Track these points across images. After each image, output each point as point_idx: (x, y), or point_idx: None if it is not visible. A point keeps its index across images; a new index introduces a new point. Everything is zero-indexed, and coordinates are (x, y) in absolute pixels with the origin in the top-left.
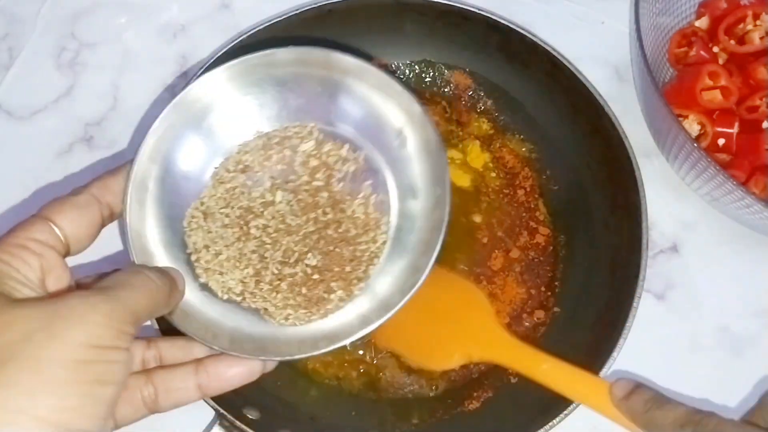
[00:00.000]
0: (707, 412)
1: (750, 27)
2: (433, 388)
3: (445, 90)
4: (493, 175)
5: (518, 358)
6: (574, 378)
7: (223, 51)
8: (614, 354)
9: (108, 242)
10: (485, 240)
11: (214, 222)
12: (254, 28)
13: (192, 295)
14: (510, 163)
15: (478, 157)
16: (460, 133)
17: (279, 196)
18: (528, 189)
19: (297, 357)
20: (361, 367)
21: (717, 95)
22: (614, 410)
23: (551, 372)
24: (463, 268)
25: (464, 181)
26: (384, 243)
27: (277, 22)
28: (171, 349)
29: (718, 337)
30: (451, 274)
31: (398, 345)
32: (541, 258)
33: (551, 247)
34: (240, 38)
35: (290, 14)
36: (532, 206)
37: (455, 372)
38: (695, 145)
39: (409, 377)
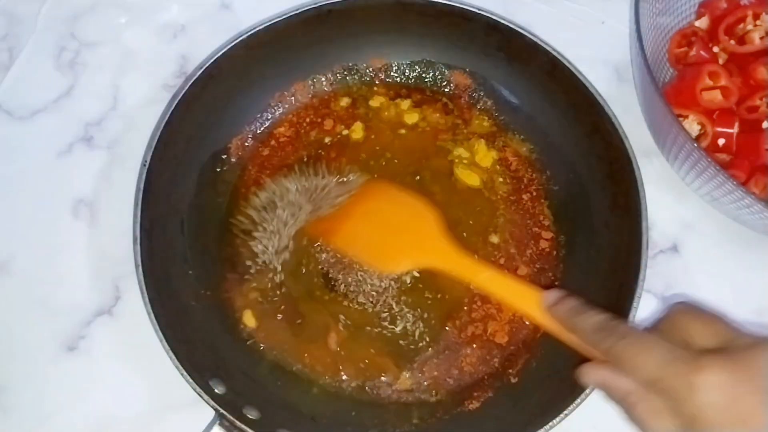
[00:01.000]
0: (620, 320)
1: (750, 27)
2: (434, 393)
3: (446, 90)
4: (501, 180)
5: (461, 266)
6: (510, 287)
7: (223, 51)
8: None
9: None
10: (502, 261)
11: None
12: (254, 28)
13: None
14: (514, 164)
15: (485, 155)
16: (465, 131)
17: None
18: (534, 193)
19: None
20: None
21: (717, 95)
22: (543, 316)
23: (490, 280)
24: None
25: (474, 180)
26: None
27: (277, 22)
28: None
29: None
30: (404, 192)
31: (353, 249)
32: (546, 266)
33: (554, 251)
34: (240, 38)
35: (290, 14)
36: (537, 210)
37: (455, 374)
38: (695, 145)
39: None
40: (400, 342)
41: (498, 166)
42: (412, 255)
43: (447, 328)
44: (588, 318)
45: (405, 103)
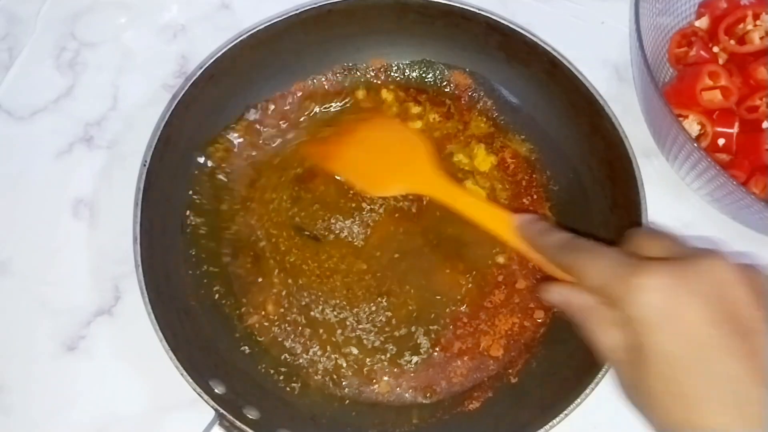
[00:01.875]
0: (584, 238)
1: (750, 27)
2: (428, 395)
3: (446, 90)
4: (500, 186)
5: (445, 192)
6: (487, 210)
7: (223, 51)
8: None
9: None
10: (500, 278)
11: None
12: (254, 28)
13: None
14: (512, 167)
15: (484, 160)
16: (462, 137)
17: None
18: (534, 196)
19: None
20: None
21: (717, 95)
22: (513, 236)
23: (470, 205)
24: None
25: (481, 194)
26: None
27: (277, 22)
28: None
29: None
30: (398, 123)
31: (347, 172)
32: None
33: None
34: (240, 38)
35: (290, 14)
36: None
37: (443, 384)
38: (695, 145)
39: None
40: (381, 350)
41: (496, 172)
42: (400, 179)
43: (434, 352)
44: (554, 236)
45: (415, 108)
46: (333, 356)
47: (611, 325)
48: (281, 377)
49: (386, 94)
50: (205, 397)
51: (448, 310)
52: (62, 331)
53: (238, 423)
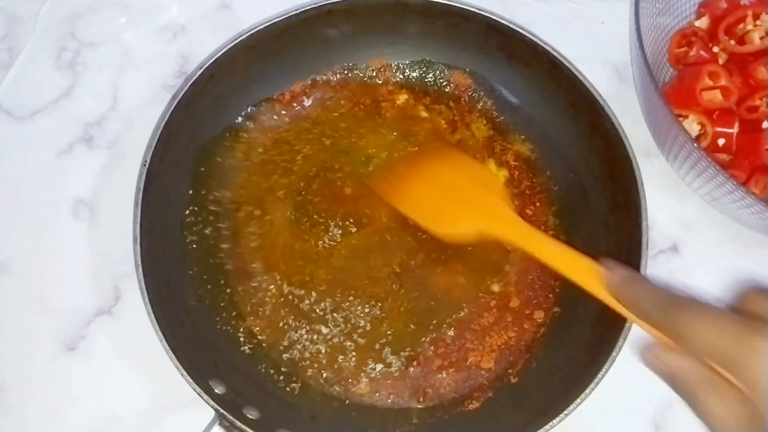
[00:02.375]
0: (687, 295)
1: (750, 27)
2: (420, 400)
3: (446, 90)
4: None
5: (523, 236)
6: (571, 259)
7: (223, 51)
8: (614, 354)
9: None
10: (492, 303)
11: None
12: (254, 28)
13: None
14: (516, 174)
15: (496, 174)
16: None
17: None
18: (537, 204)
19: None
20: None
21: (717, 95)
22: (602, 291)
23: (554, 253)
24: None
25: None
26: None
27: (277, 22)
28: None
29: None
30: (472, 159)
31: (415, 210)
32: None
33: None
34: (240, 38)
35: (290, 14)
36: (540, 222)
37: (470, 365)
38: (695, 145)
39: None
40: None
41: (507, 184)
42: (473, 219)
43: (410, 369)
44: (653, 295)
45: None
46: (330, 356)
47: (727, 395)
48: (281, 377)
49: (423, 112)
50: (205, 397)
51: (427, 338)
52: (62, 331)
53: (238, 423)
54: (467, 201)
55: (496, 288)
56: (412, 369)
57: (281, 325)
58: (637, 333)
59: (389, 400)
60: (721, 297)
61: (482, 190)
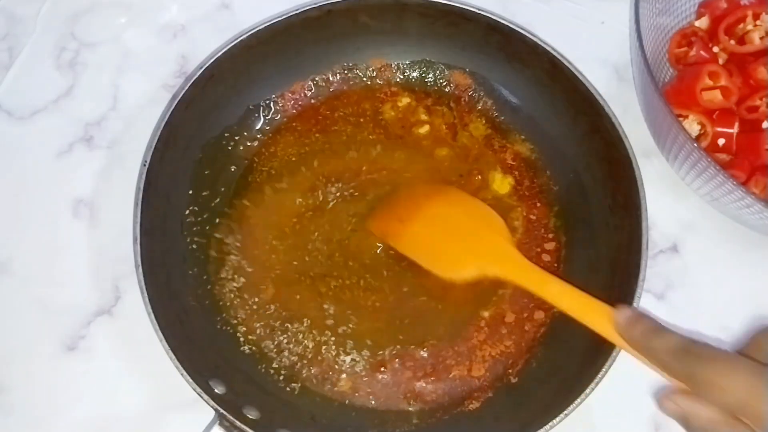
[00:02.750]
0: (701, 342)
1: (750, 27)
2: (411, 402)
3: (446, 90)
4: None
5: (530, 278)
6: (581, 302)
7: (223, 51)
8: (614, 354)
9: None
10: (482, 323)
11: None
12: (254, 28)
13: None
14: (516, 175)
15: (502, 183)
16: (470, 150)
17: None
18: (539, 205)
19: None
20: None
21: (717, 95)
22: (616, 335)
23: (559, 295)
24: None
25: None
26: None
27: (277, 22)
28: None
29: (718, 337)
30: (473, 198)
31: (417, 253)
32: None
33: (555, 257)
34: (240, 38)
35: (290, 14)
36: (543, 231)
37: (463, 381)
38: (695, 145)
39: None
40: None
41: (513, 194)
42: (478, 261)
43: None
44: (665, 340)
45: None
46: (328, 356)
47: None
48: (281, 377)
49: (423, 115)
50: (205, 397)
51: (393, 349)
52: (62, 331)
53: (238, 423)
54: (470, 242)
55: (486, 314)
56: (380, 375)
57: (281, 325)
58: None
59: (372, 401)
60: (729, 325)
61: (485, 230)
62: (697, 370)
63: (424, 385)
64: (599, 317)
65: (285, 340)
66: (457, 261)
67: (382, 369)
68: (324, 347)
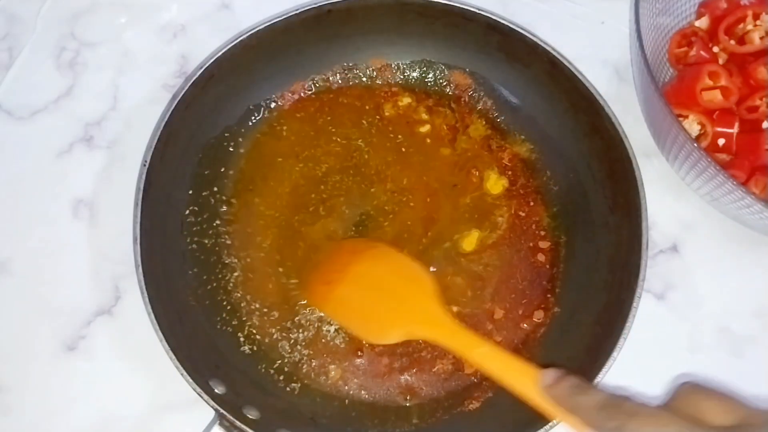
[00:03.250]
0: (624, 396)
1: (750, 27)
2: (406, 398)
3: (446, 90)
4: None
5: (455, 339)
6: (507, 364)
7: (223, 51)
8: (614, 354)
9: None
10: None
11: None
12: (254, 28)
13: None
14: (511, 174)
15: (496, 183)
16: (468, 150)
17: None
18: (532, 204)
19: None
20: None
21: (717, 95)
22: (539, 396)
23: (484, 357)
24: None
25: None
26: None
27: (277, 22)
28: None
29: (718, 337)
30: (397, 253)
31: (341, 317)
32: (542, 275)
33: (551, 259)
34: (240, 38)
35: (290, 14)
36: (535, 228)
37: (454, 377)
38: (695, 145)
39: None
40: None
41: (507, 194)
42: (405, 325)
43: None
44: (591, 397)
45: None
46: (325, 356)
47: None
48: (281, 377)
49: (424, 114)
50: (205, 397)
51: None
52: (62, 331)
53: (238, 423)
54: (396, 304)
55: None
56: (358, 360)
57: (281, 324)
58: (637, 334)
59: (365, 394)
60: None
61: (412, 290)
62: (625, 426)
63: (408, 378)
64: (524, 378)
65: (285, 340)
66: (383, 326)
67: (359, 353)
68: (323, 340)
